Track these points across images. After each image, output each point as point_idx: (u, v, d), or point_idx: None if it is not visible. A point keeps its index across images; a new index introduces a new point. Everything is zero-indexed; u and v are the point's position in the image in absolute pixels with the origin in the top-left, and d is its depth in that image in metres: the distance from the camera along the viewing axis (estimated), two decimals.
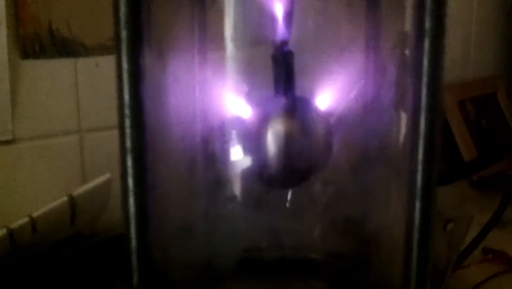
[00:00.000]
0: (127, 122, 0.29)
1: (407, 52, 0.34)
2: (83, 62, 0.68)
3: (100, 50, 0.69)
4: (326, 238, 0.41)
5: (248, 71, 0.37)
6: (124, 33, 0.29)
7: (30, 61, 0.64)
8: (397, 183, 0.37)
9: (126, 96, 0.29)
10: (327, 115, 0.36)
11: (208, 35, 0.40)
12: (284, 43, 0.36)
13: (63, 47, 0.66)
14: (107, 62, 0.69)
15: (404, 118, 0.35)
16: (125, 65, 0.29)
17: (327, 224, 0.41)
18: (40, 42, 0.64)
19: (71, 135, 0.68)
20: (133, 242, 0.31)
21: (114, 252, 0.59)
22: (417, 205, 0.30)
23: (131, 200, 0.30)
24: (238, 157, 0.37)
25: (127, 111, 0.29)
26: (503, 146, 0.81)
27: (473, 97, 1.04)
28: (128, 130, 0.30)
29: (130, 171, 0.30)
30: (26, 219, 0.53)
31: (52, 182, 0.68)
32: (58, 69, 0.66)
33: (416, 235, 0.31)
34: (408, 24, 0.33)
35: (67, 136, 0.68)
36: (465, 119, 0.99)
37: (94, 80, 0.69)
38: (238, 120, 0.37)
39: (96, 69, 0.69)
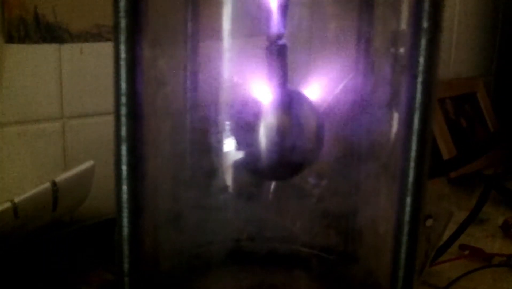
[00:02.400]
0: (123, 111, 0.29)
1: (401, 50, 0.34)
2: (67, 48, 0.67)
3: (85, 36, 0.69)
4: (314, 231, 0.42)
5: (242, 63, 0.37)
6: (123, 23, 0.28)
7: (15, 45, 0.63)
8: (386, 179, 0.37)
9: (123, 85, 0.29)
10: (320, 109, 0.37)
11: (201, 27, 0.40)
12: (279, 36, 0.36)
13: (48, 32, 0.66)
14: (91, 49, 0.69)
15: (395, 115, 0.36)
16: (123, 55, 0.29)
17: (316, 218, 0.42)
18: (25, 27, 0.64)
19: (54, 121, 0.68)
20: (125, 230, 0.31)
21: (97, 239, 0.60)
22: (408, 200, 0.31)
23: (125, 188, 0.30)
24: (230, 148, 0.37)
25: (123, 99, 0.29)
26: (482, 144, 0.82)
27: (453, 96, 1.05)
28: (123, 119, 0.30)
29: (124, 159, 0.30)
30: (8, 204, 0.53)
31: (34, 167, 0.67)
32: (42, 54, 0.66)
33: (405, 229, 0.31)
34: (402, 23, 0.33)
35: (50, 122, 0.68)
36: (445, 117, 1.01)
37: (78, 66, 0.69)
38: (231, 112, 0.37)
39: (80, 56, 0.69)
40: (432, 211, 0.66)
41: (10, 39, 0.63)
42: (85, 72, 0.69)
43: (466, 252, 0.72)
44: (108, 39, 0.69)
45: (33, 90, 0.66)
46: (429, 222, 0.63)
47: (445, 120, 1.00)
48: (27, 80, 0.65)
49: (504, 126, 1.06)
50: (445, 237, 0.67)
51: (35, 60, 0.65)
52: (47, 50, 0.66)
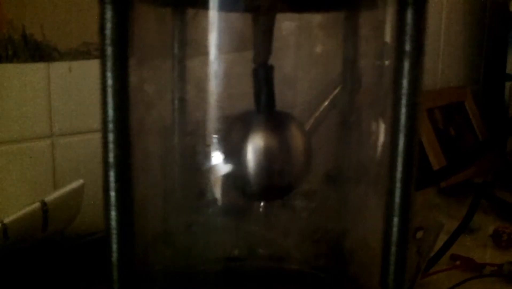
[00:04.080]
0: (111, 137, 0.30)
1: (385, 72, 0.34)
2: (56, 67, 0.67)
3: (74, 54, 0.69)
4: (305, 249, 0.42)
5: (230, 83, 0.37)
6: (109, 50, 0.29)
7: (3, 65, 0.63)
8: (374, 197, 0.38)
9: (111, 112, 0.29)
10: (306, 130, 0.37)
11: (188, 48, 0.40)
12: (265, 58, 0.36)
13: (36, 51, 0.66)
14: (80, 67, 0.69)
15: (382, 135, 0.36)
16: (110, 82, 0.29)
17: (306, 235, 0.42)
18: (13, 46, 0.64)
19: (43, 139, 0.68)
20: (115, 256, 0.31)
21: (88, 258, 0.59)
22: (395, 221, 0.31)
23: (113, 214, 0.31)
24: (218, 171, 0.37)
25: (110, 126, 0.29)
26: (471, 153, 0.82)
27: (441, 105, 1.06)
28: (111, 145, 0.30)
29: (112, 185, 0.30)
30: None
31: (23, 186, 0.67)
32: (31, 73, 0.66)
33: (393, 250, 0.32)
34: (386, 45, 0.34)
35: (39, 141, 0.68)
36: (433, 127, 1.01)
37: (67, 84, 0.69)
38: (218, 135, 0.37)
39: (69, 74, 0.69)
40: (423, 223, 0.67)
41: None
42: (74, 90, 0.69)
43: (458, 262, 0.72)
44: (96, 57, 0.69)
45: (21, 108, 0.66)
46: (419, 234, 0.63)
47: (433, 129, 1.00)
48: (16, 99, 0.65)
49: (493, 134, 1.07)
50: (436, 247, 0.67)
51: (23, 79, 0.65)
52: (36, 69, 0.66)
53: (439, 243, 0.68)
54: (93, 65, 0.68)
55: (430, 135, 0.99)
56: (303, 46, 0.40)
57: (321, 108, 0.48)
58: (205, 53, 0.37)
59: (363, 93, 0.38)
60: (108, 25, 0.28)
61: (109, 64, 0.29)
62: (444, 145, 1.01)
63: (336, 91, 0.44)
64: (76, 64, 0.69)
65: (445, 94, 1.10)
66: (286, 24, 0.38)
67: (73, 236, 0.67)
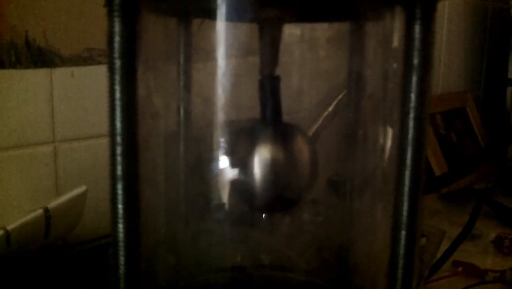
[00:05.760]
0: (119, 150, 0.30)
1: (392, 85, 0.34)
2: (59, 73, 0.67)
3: (76, 60, 0.69)
4: (310, 259, 0.42)
5: (235, 94, 0.37)
6: (118, 64, 0.29)
7: (6, 71, 0.63)
8: (381, 210, 0.38)
9: (118, 125, 0.29)
10: (313, 142, 0.37)
11: (194, 58, 0.40)
12: (271, 69, 0.36)
13: (39, 57, 0.66)
14: (83, 72, 0.69)
15: (389, 150, 0.36)
16: (118, 95, 0.29)
17: (311, 246, 0.42)
18: (16, 52, 0.64)
19: (46, 145, 0.68)
20: (122, 268, 0.31)
21: (89, 264, 0.59)
22: (402, 234, 0.31)
23: (120, 226, 0.31)
24: (224, 182, 0.37)
25: (118, 139, 0.29)
26: (472, 159, 0.83)
27: (442, 111, 1.06)
28: (119, 158, 0.30)
29: (120, 198, 0.30)
30: (1, 232, 0.53)
31: (25, 192, 0.67)
32: (33, 79, 0.66)
33: (400, 263, 0.32)
34: (394, 59, 0.34)
35: (42, 146, 0.68)
36: (435, 132, 1.01)
37: (69, 90, 0.69)
38: (225, 146, 0.37)
39: (72, 80, 0.69)
40: (425, 230, 0.67)
41: (1, 65, 0.63)
42: (76, 96, 0.69)
43: (460, 269, 0.72)
44: (99, 62, 0.69)
45: (24, 114, 0.66)
46: (422, 241, 0.63)
47: (435, 135, 1.01)
48: (19, 105, 0.65)
49: (494, 140, 1.07)
50: (438, 254, 0.67)
51: (26, 85, 0.65)
52: (38, 74, 0.66)
53: (441, 249, 0.68)
54: (96, 71, 0.69)
55: (432, 140, 0.99)
56: (309, 58, 0.40)
57: (325, 114, 0.48)
58: (212, 62, 0.37)
59: (368, 101, 0.38)
60: (117, 38, 0.28)
61: (117, 77, 0.29)
62: (446, 150, 1.01)
63: (340, 96, 0.44)
64: (78, 70, 0.69)
65: (446, 100, 1.10)
66: (292, 35, 0.38)
67: (75, 241, 0.67)
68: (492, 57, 1.25)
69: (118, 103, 0.29)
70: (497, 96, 1.16)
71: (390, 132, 0.35)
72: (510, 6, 1.14)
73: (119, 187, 0.30)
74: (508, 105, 1.13)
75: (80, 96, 0.69)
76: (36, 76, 0.66)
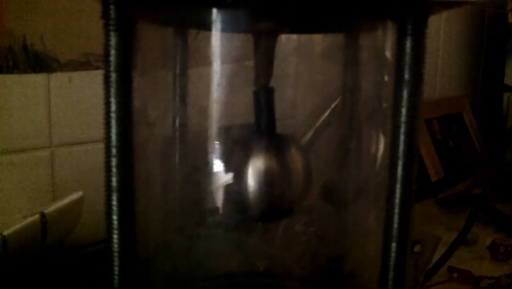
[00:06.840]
0: (114, 162, 0.30)
1: (383, 100, 0.35)
2: (56, 77, 0.67)
3: (74, 65, 0.69)
4: (302, 265, 0.42)
5: (231, 104, 0.37)
6: (114, 76, 0.29)
7: (3, 76, 0.63)
8: (376, 217, 0.38)
9: (114, 137, 0.30)
10: (307, 152, 0.37)
11: (190, 69, 0.40)
12: (266, 80, 0.37)
13: (37, 62, 0.66)
14: (80, 77, 0.69)
15: (381, 156, 0.36)
16: (113, 107, 0.29)
17: (304, 253, 0.42)
18: (13, 56, 0.64)
19: (42, 150, 0.68)
20: (117, 279, 0.31)
21: (86, 268, 0.60)
22: (393, 247, 0.32)
23: (115, 237, 0.31)
24: (219, 193, 0.37)
25: (114, 151, 0.30)
26: (469, 164, 0.83)
27: (439, 116, 1.06)
28: (114, 170, 0.30)
29: (115, 209, 0.30)
30: None
31: (22, 196, 0.67)
32: (31, 84, 0.66)
33: (391, 275, 0.32)
34: (385, 73, 0.34)
35: (38, 151, 0.68)
36: (432, 137, 1.02)
37: (66, 95, 0.69)
38: (220, 156, 0.37)
39: (69, 85, 0.69)
40: (420, 236, 0.67)
41: None
42: (74, 101, 0.69)
43: (455, 275, 0.72)
44: (97, 68, 0.70)
45: (21, 119, 0.66)
46: (417, 248, 0.63)
47: (432, 140, 1.01)
48: (16, 109, 0.65)
49: (491, 146, 1.07)
50: (434, 259, 0.68)
51: (23, 90, 0.65)
52: (36, 79, 0.66)
53: (437, 255, 0.68)
54: (93, 76, 0.69)
55: (429, 146, 0.99)
56: (303, 69, 0.40)
57: (318, 123, 0.48)
58: (207, 72, 0.37)
59: (362, 111, 0.39)
60: (113, 52, 0.29)
61: (113, 90, 0.29)
62: (442, 155, 1.01)
63: (333, 105, 0.44)
64: (76, 75, 0.69)
65: (443, 105, 1.10)
66: (286, 46, 0.39)
67: (72, 246, 0.67)
68: (489, 62, 1.26)
69: (113, 115, 0.29)
70: (494, 102, 1.17)
71: (383, 141, 0.35)
72: (507, 12, 1.14)
73: (114, 198, 0.30)
74: (505, 111, 1.14)
75: (77, 101, 0.70)
76: (33, 81, 0.66)
